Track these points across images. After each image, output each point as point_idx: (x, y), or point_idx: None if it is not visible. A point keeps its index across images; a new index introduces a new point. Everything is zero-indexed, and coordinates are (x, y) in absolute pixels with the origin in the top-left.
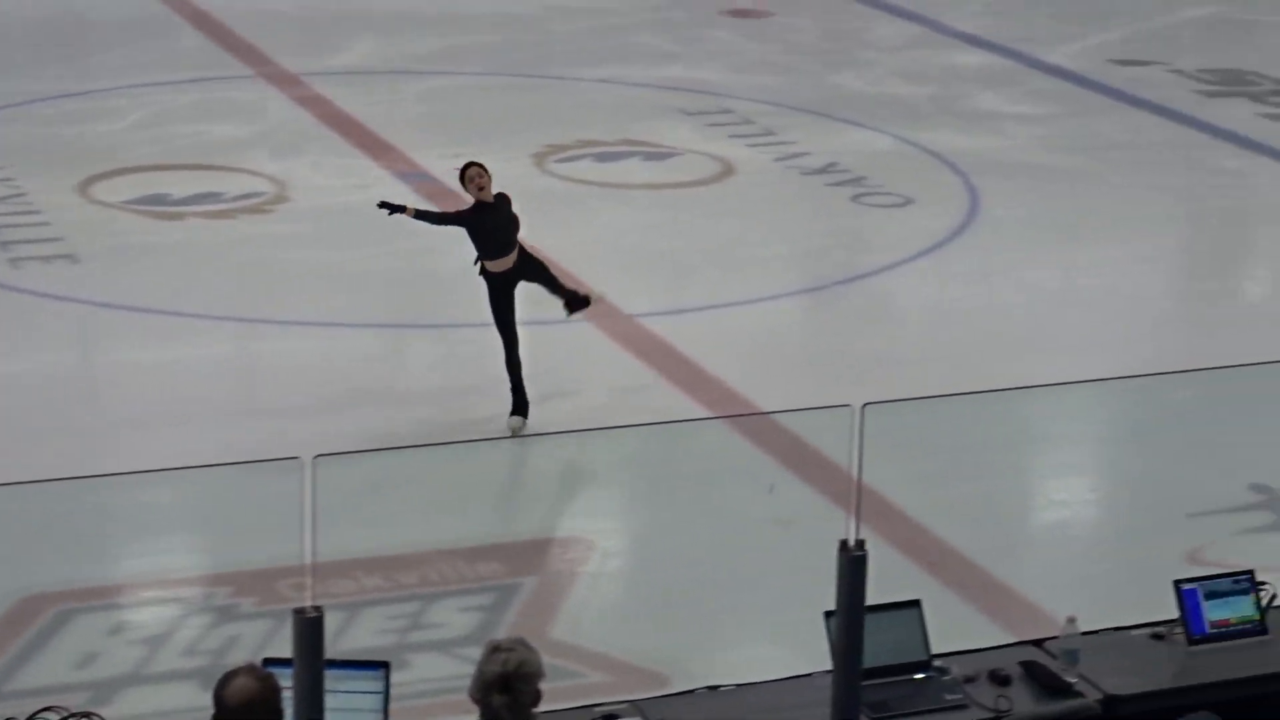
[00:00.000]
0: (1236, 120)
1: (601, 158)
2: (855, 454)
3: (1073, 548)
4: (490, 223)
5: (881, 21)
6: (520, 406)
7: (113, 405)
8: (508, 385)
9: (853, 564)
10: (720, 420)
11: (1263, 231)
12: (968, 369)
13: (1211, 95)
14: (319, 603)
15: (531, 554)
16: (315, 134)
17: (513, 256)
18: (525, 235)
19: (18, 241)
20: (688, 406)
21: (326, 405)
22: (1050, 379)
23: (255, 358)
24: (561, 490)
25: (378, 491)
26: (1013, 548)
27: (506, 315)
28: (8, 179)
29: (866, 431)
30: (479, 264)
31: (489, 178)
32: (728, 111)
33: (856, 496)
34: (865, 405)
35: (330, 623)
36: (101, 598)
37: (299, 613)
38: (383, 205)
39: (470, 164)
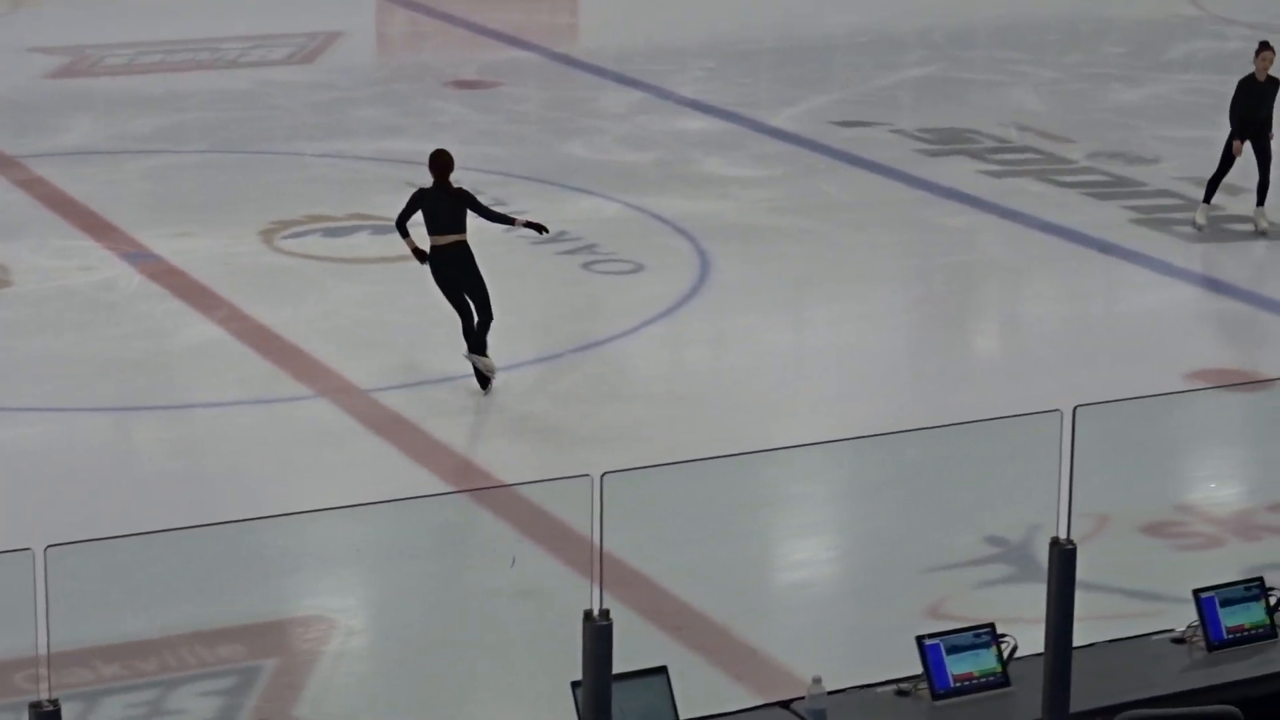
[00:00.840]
0: (958, 178)
1: (330, 232)
2: (595, 523)
3: (815, 607)
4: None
5: (605, 90)
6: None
7: None
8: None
9: (597, 634)
10: (459, 493)
11: (988, 286)
12: (705, 433)
13: (933, 154)
14: (55, 694)
15: (272, 635)
16: (36, 216)
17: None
18: (257, 311)
19: None
20: (426, 479)
21: (57, 493)
22: (787, 439)
23: None
24: (301, 569)
25: (113, 578)
26: (756, 609)
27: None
28: None
29: (606, 499)
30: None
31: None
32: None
33: (598, 565)
34: (604, 474)
35: (68, 714)
36: None
37: (35, 706)
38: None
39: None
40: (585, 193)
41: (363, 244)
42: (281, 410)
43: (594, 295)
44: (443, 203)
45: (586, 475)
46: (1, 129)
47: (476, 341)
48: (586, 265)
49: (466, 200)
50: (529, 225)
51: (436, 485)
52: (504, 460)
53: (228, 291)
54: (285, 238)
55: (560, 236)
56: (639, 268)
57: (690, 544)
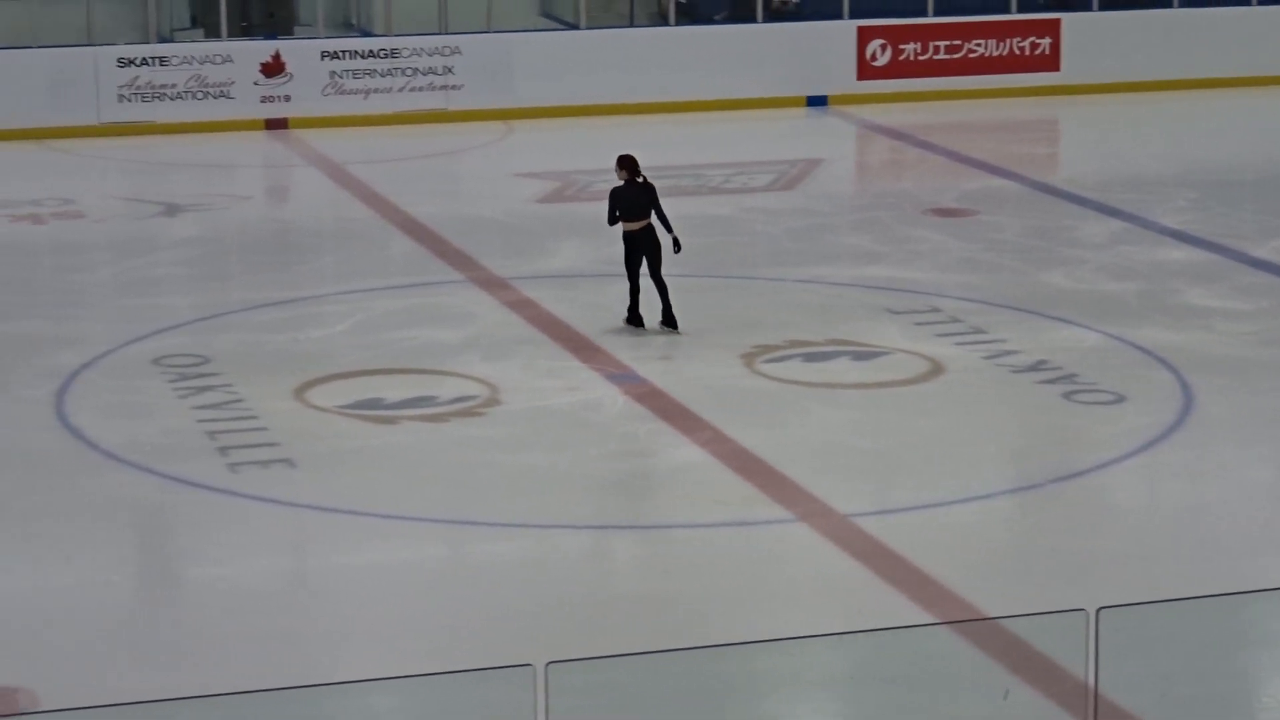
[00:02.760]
0: None
1: (810, 357)
2: (1090, 659)
3: None
4: (629, 196)
5: (1086, 219)
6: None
7: (331, 610)
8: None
9: None
10: (942, 625)
11: None
12: (1184, 569)
13: None
14: None
15: None
16: (525, 337)
17: (641, 224)
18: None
19: (236, 447)
20: (904, 606)
21: (537, 607)
22: (1270, 576)
23: (470, 561)
24: (776, 692)
25: (600, 694)
26: None
27: (635, 265)
28: (225, 385)
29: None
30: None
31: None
32: (935, 310)
33: (1092, 703)
34: (1099, 610)
35: None
36: None
37: None
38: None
39: (629, 156)
40: (1065, 322)
41: (842, 369)
42: (760, 533)
43: (1075, 425)
44: (635, 194)
45: (1082, 610)
46: (493, 251)
47: (666, 317)
48: (1067, 395)
49: (652, 192)
50: (675, 240)
51: (913, 612)
52: (979, 588)
53: (709, 414)
54: (766, 361)
55: (1040, 365)
56: (1120, 399)
57: (1173, 681)
